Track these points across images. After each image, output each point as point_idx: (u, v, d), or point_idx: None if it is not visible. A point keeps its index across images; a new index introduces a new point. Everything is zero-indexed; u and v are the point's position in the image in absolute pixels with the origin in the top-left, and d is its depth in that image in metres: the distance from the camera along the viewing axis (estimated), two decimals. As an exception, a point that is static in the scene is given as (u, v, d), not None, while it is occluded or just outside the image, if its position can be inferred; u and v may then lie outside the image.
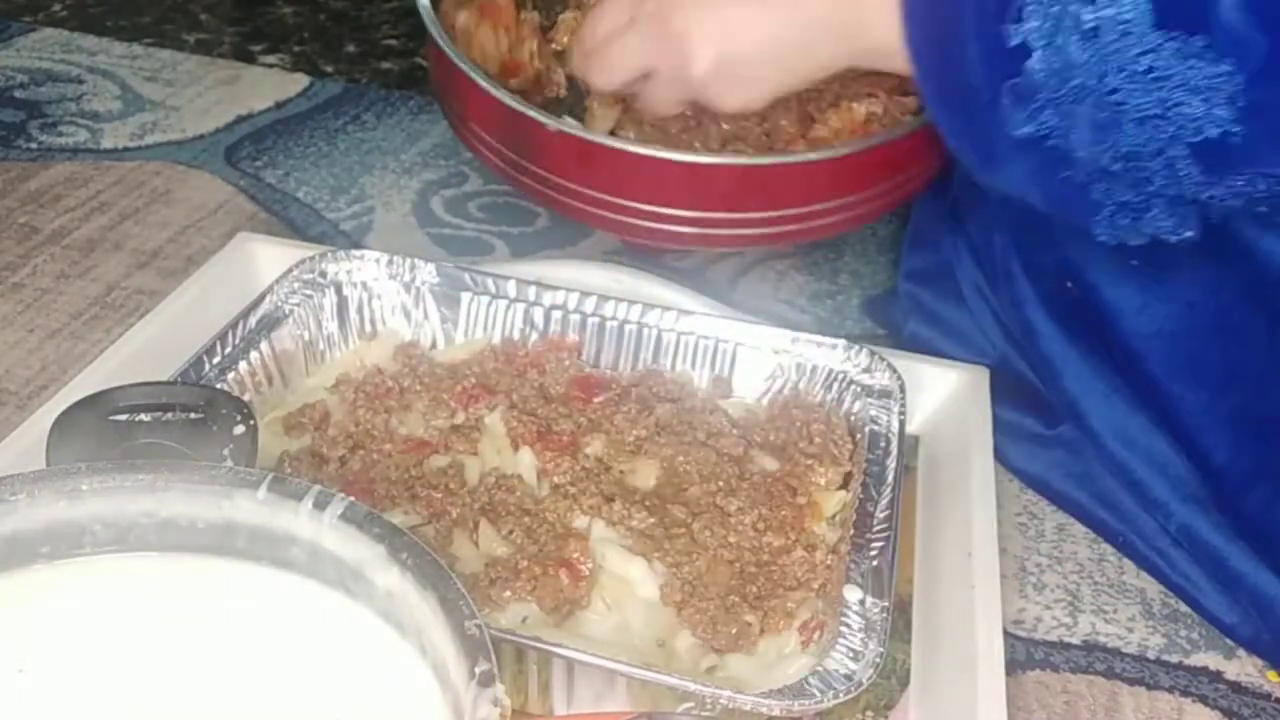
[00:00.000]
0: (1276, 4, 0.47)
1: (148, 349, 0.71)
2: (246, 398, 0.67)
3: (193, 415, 0.54)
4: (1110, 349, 0.70)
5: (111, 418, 0.53)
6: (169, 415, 0.55)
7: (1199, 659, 0.66)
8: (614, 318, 0.74)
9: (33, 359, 0.82)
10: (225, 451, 0.52)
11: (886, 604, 0.56)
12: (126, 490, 0.47)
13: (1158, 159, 0.52)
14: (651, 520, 0.63)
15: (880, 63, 0.63)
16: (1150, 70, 0.49)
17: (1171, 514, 0.69)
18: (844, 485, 0.67)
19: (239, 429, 0.52)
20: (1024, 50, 0.52)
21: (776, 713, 0.52)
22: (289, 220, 1.00)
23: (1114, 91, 0.50)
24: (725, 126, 0.81)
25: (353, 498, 0.46)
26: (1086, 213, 0.57)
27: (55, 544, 0.47)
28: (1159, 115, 0.50)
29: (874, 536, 0.60)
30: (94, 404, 0.53)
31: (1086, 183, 0.55)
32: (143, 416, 0.55)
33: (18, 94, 1.17)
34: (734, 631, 0.58)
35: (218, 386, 0.65)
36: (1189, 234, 0.56)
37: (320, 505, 0.45)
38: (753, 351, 0.73)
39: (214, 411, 0.53)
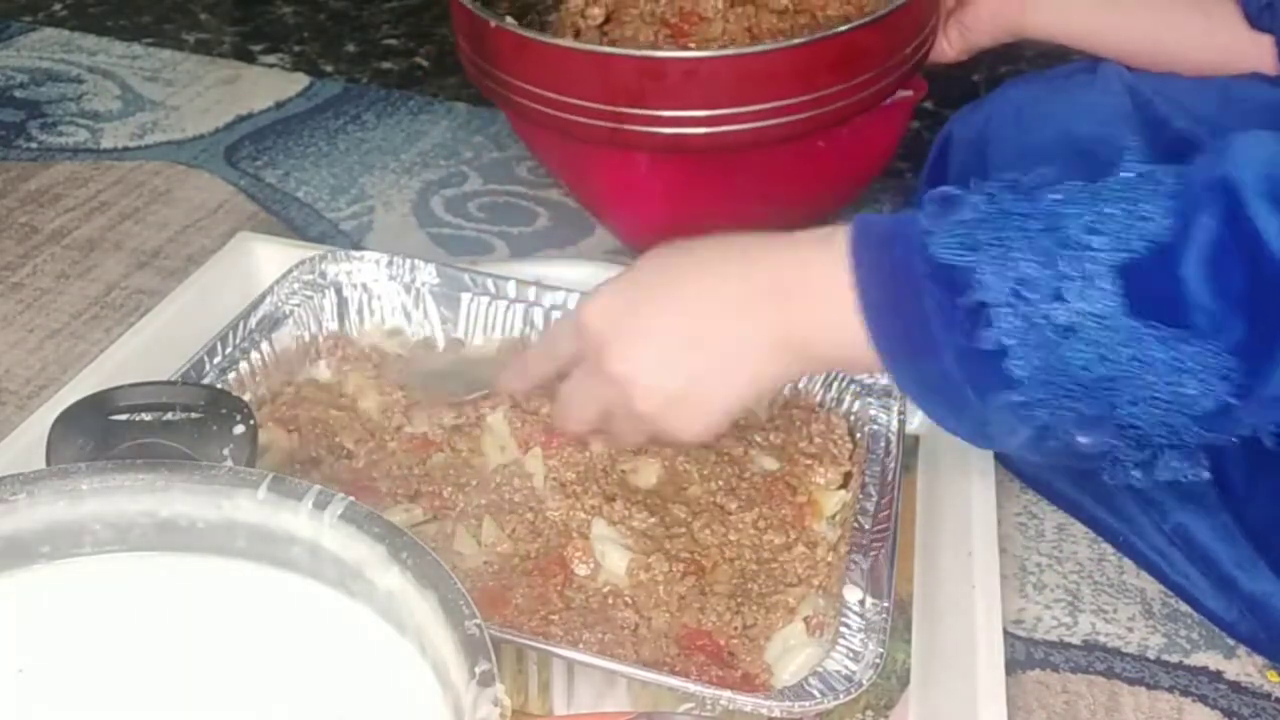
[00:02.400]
0: (1240, 282, 0.46)
1: (148, 349, 0.71)
2: (246, 397, 0.67)
3: (193, 415, 0.54)
4: None
5: (112, 417, 0.53)
6: (169, 415, 0.56)
7: (1199, 659, 0.66)
8: None
9: (33, 359, 0.82)
10: (225, 451, 0.52)
11: (887, 604, 0.56)
12: (126, 490, 0.47)
13: (1160, 429, 0.49)
14: (653, 520, 0.63)
15: (846, 366, 0.60)
16: (1136, 359, 0.47)
17: (1167, 513, 0.69)
18: (844, 485, 0.67)
19: (239, 428, 0.52)
20: (1001, 353, 0.48)
21: (777, 714, 0.52)
22: (289, 220, 1.00)
23: (1105, 382, 0.48)
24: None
25: (353, 498, 0.46)
26: (1097, 470, 0.54)
27: (55, 544, 0.47)
28: (1153, 398, 0.48)
29: (874, 536, 0.60)
30: (94, 403, 0.53)
31: (1092, 455, 0.53)
32: (143, 416, 0.55)
33: (18, 94, 1.17)
34: (751, 638, 0.58)
35: (218, 386, 0.65)
36: (1204, 473, 0.52)
37: (320, 505, 0.45)
38: None
39: (214, 411, 0.53)
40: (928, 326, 0.50)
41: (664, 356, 0.57)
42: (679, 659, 0.57)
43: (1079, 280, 0.47)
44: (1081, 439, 0.51)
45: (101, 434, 0.52)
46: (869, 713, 0.60)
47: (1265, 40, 0.74)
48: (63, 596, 0.47)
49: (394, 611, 0.44)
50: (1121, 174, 0.48)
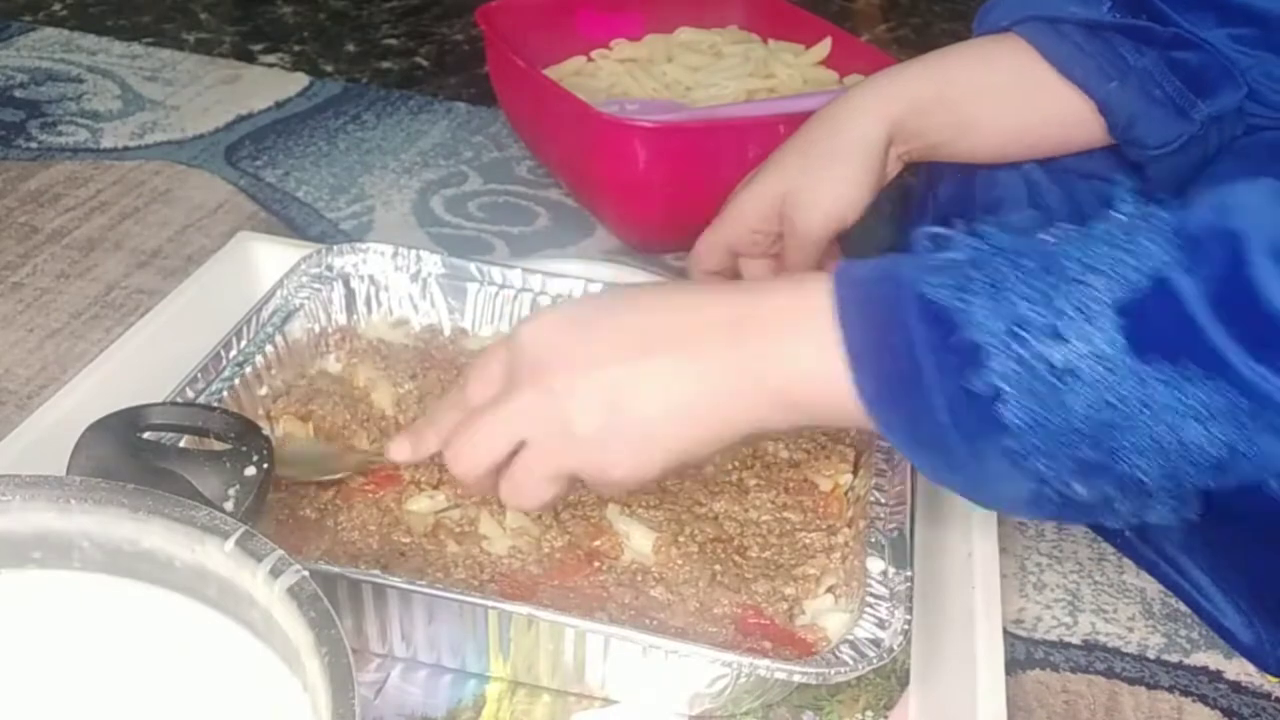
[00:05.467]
0: (1245, 325, 0.43)
1: (148, 348, 0.71)
2: (263, 391, 0.68)
3: (215, 446, 0.53)
4: None
5: (143, 434, 0.53)
6: (182, 441, 0.56)
7: (1199, 659, 0.66)
8: None
9: (33, 358, 0.82)
10: (230, 491, 0.51)
11: (909, 573, 0.57)
12: (111, 513, 0.46)
13: (1164, 479, 0.47)
14: (672, 499, 0.64)
15: (820, 415, 0.53)
16: (1140, 402, 0.44)
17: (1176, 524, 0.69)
18: (856, 462, 0.68)
19: (249, 470, 0.52)
20: (994, 397, 0.45)
21: (812, 681, 0.53)
22: (289, 220, 1.00)
23: (1106, 428, 0.45)
24: None
25: (306, 572, 0.43)
26: (1088, 519, 0.54)
27: (46, 552, 0.46)
28: (1158, 446, 0.45)
29: (890, 511, 0.61)
30: (128, 417, 0.53)
31: (1088, 506, 0.49)
32: (166, 439, 0.55)
33: (18, 94, 1.17)
34: (785, 609, 0.59)
35: (235, 383, 0.66)
36: (1192, 515, 0.50)
37: (275, 573, 0.44)
38: None
39: (237, 446, 0.53)
40: (917, 370, 0.47)
41: (606, 379, 0.52)
42: (736, 640, 0.57)
43: (1078, 318, 0.45)
44: (1080, 489, 0.48)
45: (122, 449, 0.51)
46: (869, 713, 0.60)
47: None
48: (49, 603, 0.46)
49: (317, 705, 0.42)
50: (1116, 214, 0.46)
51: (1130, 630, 0.68)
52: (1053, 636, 0.67)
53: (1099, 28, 0.69)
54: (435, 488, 0.64)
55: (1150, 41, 0.68)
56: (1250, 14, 0.67)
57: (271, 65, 1.27)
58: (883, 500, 0.62)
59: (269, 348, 0.69)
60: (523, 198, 1.05)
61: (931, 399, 0.47)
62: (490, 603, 0.55)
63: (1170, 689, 0.64)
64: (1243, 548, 0.65)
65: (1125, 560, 0.72)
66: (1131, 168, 0.71)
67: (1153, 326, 0.44)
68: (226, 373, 0.66)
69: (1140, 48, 0.68)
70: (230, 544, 0.45)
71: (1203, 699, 0.64)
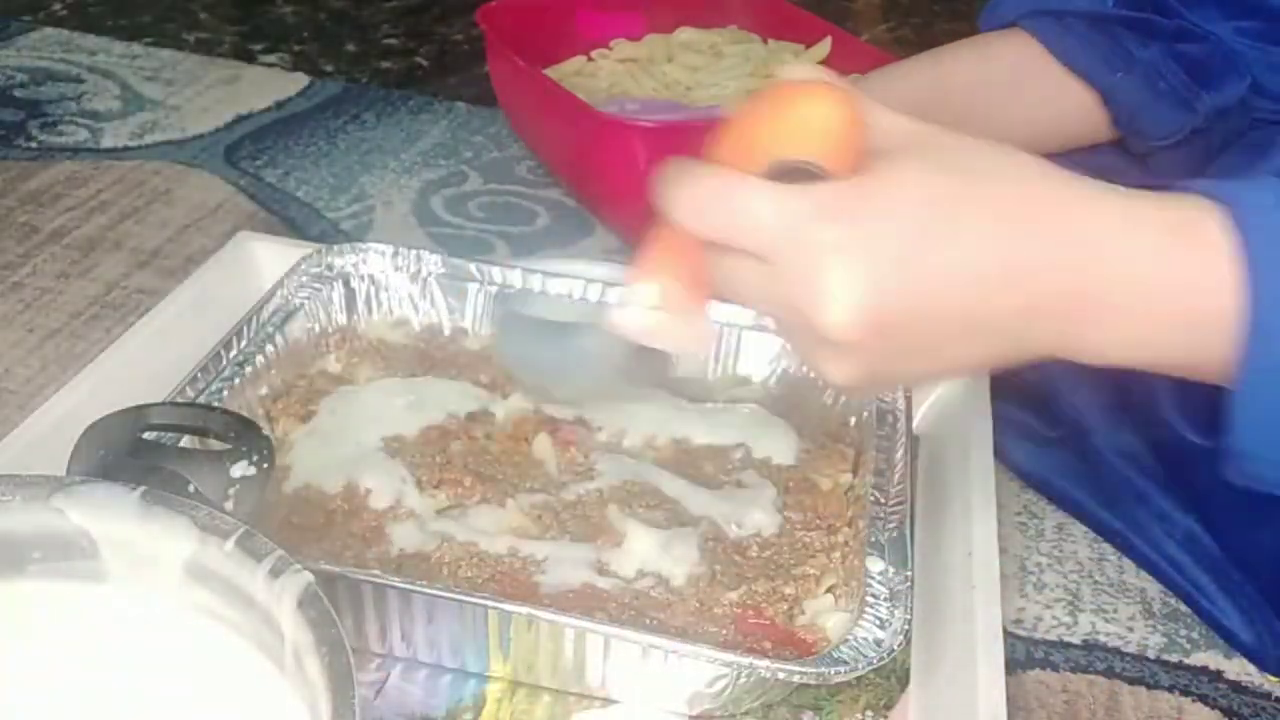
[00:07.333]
0: None
1: (148, 348, 0.71)
2: (263, 391, 0.68)
3: (214, 446, 0.53)
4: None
5: (143, 434, 0.53)
6: (184, 440, 0.56)
7: (1199, 658, 0.66)
8: (618, 304, 0.74)
9: (33, 358, 0.82)
10: (230, 491, 0.51)
11: (909, 573, 0.57)
12: (110, 514, 0.46)
13: None
14: (671, 499, 0.64)
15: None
16: None
17: (1176, 524, 0.69)
18: (855, 461, 0.68)
19: (249, 470, 0.51)
20: None
21: (812, 681, 0.53)
22: (289, 219, 1.00)
23: None
24: None
25: (307, 571, 0.43)
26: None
27: (46, 552, 0.46)
28: None
29: (890, 510, 0.61)
30: (128, 417, 0.53)
31: None
32: (166, 439, 0.55)
33: (18, 93, 1.17)
34: (785, 609, 0.59)
35: (235, 383, 0.66)
36: None
37: (275, 573, 0.43)
38: (756, 334, 0.74)
39: (236, 446, 0.53)
40: None
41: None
42: (737, 640, 0.57)
43: None
44: None
45: (122, 449, 0.51)
46: (869, 713, 0.60)
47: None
48: (43, 609, 0.46)
49: (313, 702, 0.41)
50: None
51: (1130, 630, 0.68)
52: (1053, 636, 0.67)
53: (1103, 20, 0.69)
54: (436, 487, 0.64)
55: (1154, 34, 0.68)
56: (1255, 7, 0.67)
57: (271, 65, 1.27)
58: (882, 500, 0.62)
59: (269, 348, 0.69)
60: (523, 198, 1.05)
61: None
62: (490, 603, 0.55)
63: (1170, 689, 0.64)
64: (1248, 542, 0.65)
65: (1125, 560, 0.72)
66: (1136, 162, 0.71)
67: None
68: (226, 373, 0.66)
69: (1144, 40, 0.68)
70: (230, 544, 0.45)
71: (1203, 699, 0.64)
